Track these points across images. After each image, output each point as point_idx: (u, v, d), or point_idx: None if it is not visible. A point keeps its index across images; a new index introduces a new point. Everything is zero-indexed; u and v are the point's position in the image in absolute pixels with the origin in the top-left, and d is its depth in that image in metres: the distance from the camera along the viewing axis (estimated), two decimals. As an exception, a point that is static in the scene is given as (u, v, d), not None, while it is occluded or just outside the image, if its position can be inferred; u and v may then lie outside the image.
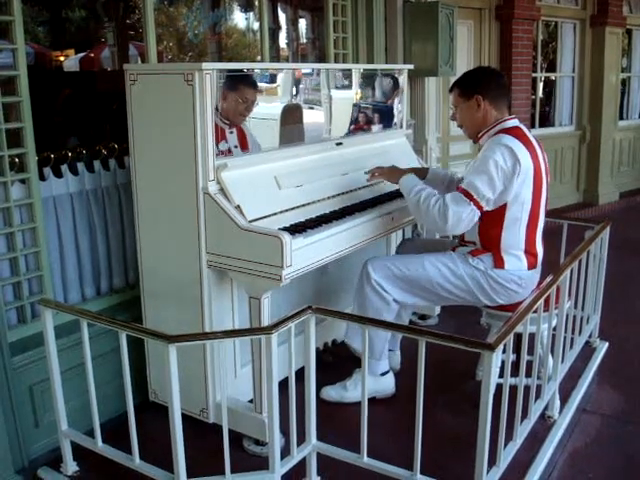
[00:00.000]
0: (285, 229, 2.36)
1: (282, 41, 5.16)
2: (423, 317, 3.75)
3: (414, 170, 2.91)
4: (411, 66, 3.64)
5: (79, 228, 2.77)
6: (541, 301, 2.28)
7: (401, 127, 3.54)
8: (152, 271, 2.61)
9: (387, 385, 2.87)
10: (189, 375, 2.39)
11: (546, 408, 2.64)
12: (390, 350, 2.95)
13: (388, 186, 3.00)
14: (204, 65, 2.25)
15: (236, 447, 2.40)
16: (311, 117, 2.95)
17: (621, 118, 7.49)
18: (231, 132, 2.49)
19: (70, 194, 2.72)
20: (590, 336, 3.34)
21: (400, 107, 3.51)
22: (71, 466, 2.41)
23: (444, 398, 2.87)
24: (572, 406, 2.79)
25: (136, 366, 2.54)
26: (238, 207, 2.34)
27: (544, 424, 2.63)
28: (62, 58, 7.47)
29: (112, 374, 2.59)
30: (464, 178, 2.59)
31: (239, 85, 2.47)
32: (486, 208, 2.53)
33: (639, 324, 3.76)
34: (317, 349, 2.34)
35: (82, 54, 7.40)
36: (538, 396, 2.50)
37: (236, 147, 2.51)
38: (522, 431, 2.32)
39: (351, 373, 2.88)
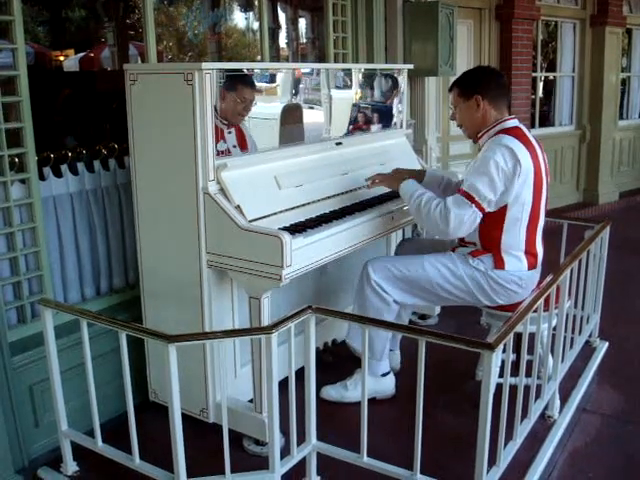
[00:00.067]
0: (285, 229, 2.36)
1: (282, 41, 5.16)
2: (423, 317, 3.75)
3: (412, 172, 2.90)
4: (411, 66, 3.64)
5: (79, 228, 2.77)
6: (541, 301, 2.28)
7: (401, 127, 3.54)
8: (152, 271, 2.61)
9: (387, 386, 2.87)
10: (189, 375, 2.39)
11: (546, 408, 2.64)
12: (390, 350, 2.95)
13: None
14: (204, 65, 2.25)
15: (236, 447, 2.40)
16: (311, 117, 2.95)
17: (621, 118, 7.49)
18: (229, 132, 2.49)
19: (70, 194, 2.72)
20: (590, 336, 3.34)
21: (400, 107, 3.51)
22: (71, 466, 2.41)
23: (444, 398, 2.87)
24: (572, 406, 2.79)
25: (136, 366, 2.54)
26: (238, 207, 2.34)
27: (544, 424, 2.63)
28: (62, 58, 7.47)
29: (112, 374, 2.59)
30: (464, 180, 2.58)
31: (237, 85, 2.47)
32: (488, 210, 2.52)
33: (639, 324, 3.76)
34: (317, 349, 2.34)
35: (82, 54, 7.40)
36: (538, 396, 2.50)
37: (235, 147, 2.51)
38: (522, 431, 2.32)
39: (351, 373, 2.88)
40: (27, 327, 2.52)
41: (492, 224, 2.58)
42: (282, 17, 5.12)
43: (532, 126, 6.37)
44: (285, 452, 2.22)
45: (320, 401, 2.61)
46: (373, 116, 3.36)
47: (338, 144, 3.01)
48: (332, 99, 3.05)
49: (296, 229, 2.41)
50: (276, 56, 4.94)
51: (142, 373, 2.74)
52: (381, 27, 4.15)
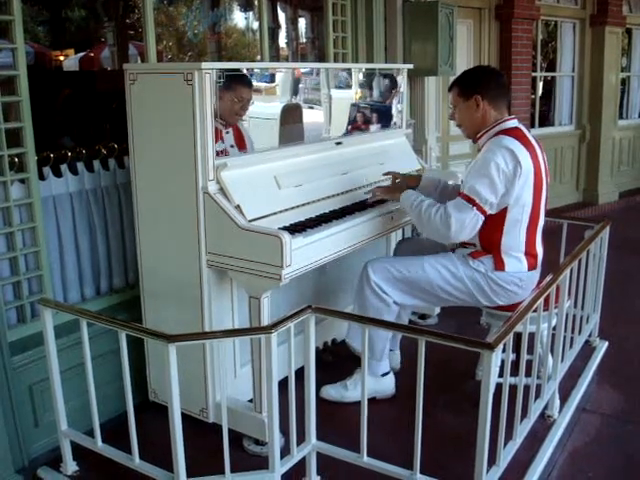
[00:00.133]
0: (285, 228, 2.36)
1: (282, 41, 5.16)
2: (423, 317, 3.75)
3: (408, 177, 2.89)
4: (411, 66, 3.64)
5: (79, 228, 2.77)
6: (541, 300, 2.28)
7: (401, 127, 3.53)
8: (152, 271, 2.61)
9: (387, 386, 2.87)
10: (189, 375, 2.38)
11: (546, 407, 2.64)
12: (390, 350, 2.95)
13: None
14: (204, 65, 2.25)
15: (236, 447, 2.40)
16: (311, 117, 2.95)
17: (621, 117, 7.49)
18: (227, 132, 2.48)
19: (70, 194, 2.72)
20: (590, 335, 3.34)
21: (400, 107, 3.50)
22: (71, 466, 2.41)
23: (444, 397, 2.87)
24: (572, 405, 2.79)
25: (136, 366, 2.54)
26: (238, 207, 2.34)
27: (544, 423, 2.63)
28: (62, 58, 7.48)
29: (112, 374, 2.59)
30: (464, 182, 2.57)
31: (234, 84, 2.45)
32: (489, 212, 2.51)
33: (639, 323, 3.76)
34: (317, 348, 2.34)
35: (82, 54, 7.40)
36: (538, 395, 2.50)
37: (232, 147, 2.50)
38: (522, 430, 2.32)
39: (351, 372, 2.88)
40: (27, 327, 2.52)
41: (492, 226, 2.57)
42: (282, 17, 5.12)
43: (532, 126, 6.37)
44: (285, 452, 2.22)
45: (320, 401, 2.61)
46: (373, 116, 3.36)
47: (338, 144, 3.01)
48: (332, 99, 3.05)
49: (296, 229, 2.41)
50: (276, 56, 4.94)
51: (142, 373, 2.74)
52: (381, 27, 4.15)
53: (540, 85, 7.00)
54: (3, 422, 2.29)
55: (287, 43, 5.22)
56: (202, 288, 2.44)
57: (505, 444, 2.19)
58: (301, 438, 2.23)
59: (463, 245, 2.72)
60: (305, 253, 2.35)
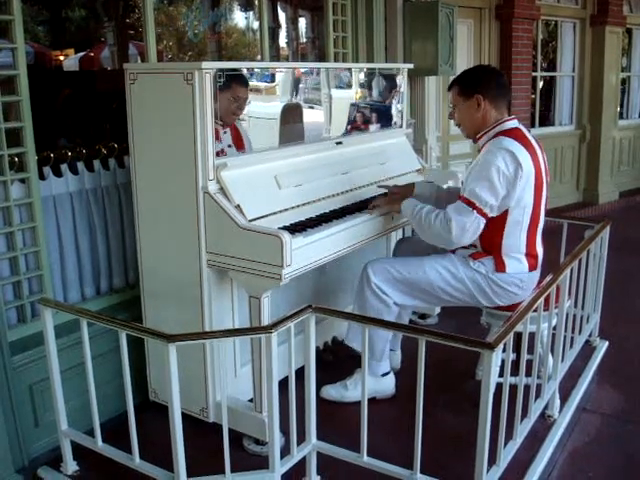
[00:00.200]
0: (285, 228, 2.36)
1: (282, 40, 5.16)
2: (423, 316, 3.75)
3: (403, 187, 2.86)
4: (411, 65, 3.64)
5: (79, 227, 2.77)
6: (541, 300, 2.28)
7: (401, 126, 3.53)
8: (152, 271, 2.61)
9: (387, 386, 2.87)
10: (189, 374, 2.39)
11: (546, 407, 2.64)
12: (391, 350, 2.95)
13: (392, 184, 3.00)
14: (204, 64, 2.25)
15: (236, 446, 2.40)
16: (311, 116, 2.95)
17: (621, 117, 7.49)
18: (225, 132, 2.47)
19: (70, 193, 2.72)
20: (590, 335, 3.34)
21: (400, 106, 3.50)
22: (71, 465, 2.41)
23: (444, 397, 2.87)
24: (572, 405, 2.79)
25: (136, 366, 2.54)
26: (238, 206, 2.34)
27: (544, 423, 2.63)
28: (62, 57, 7.47)
29: (112, 374, 2.59)
30: (464, 185, 2.56)
31: (230, 84, 2.43)
32: (490, 215, 2.50)
33: (639, 323, 3.76)
34: (317, 348, 2.34)
35: (82, 53, 7.39)
36: (538, 395, 2.50)
37: (230, 147, 2.48)
38: (522, 430, 2.32)
39: (351, 372, 2.88)
40: (27, 326, 2.52)
41: (493, 228, 2.56)
42: (282, 16, 5.12)
43: (532, 126, 6.37)
44: (285, 452, 2.22)
45: (320, 401, 2.61)
46: (373, 115, 3.36)
47: (338, 144, 3.01)
48: (332, 99, 3.05)
49: (296, 229, 2.41)
50: (276, 55, 4.93)
51: (142, 373, 2.74)
52: (381, 27, 4.15)
53: (540, 85, 6.99)
54: (3, 422, 2.29)
55: (287, 43, 5.22)
56: (202, 288, 2.44)
57: (505, 444, 2.19)
58: (301, 438, 2.23)
59: (463, 246, 2.71)
60: (305, 253, 2.35)
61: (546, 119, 6.95)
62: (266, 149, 2.63)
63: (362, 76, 3.28)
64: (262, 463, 2.21)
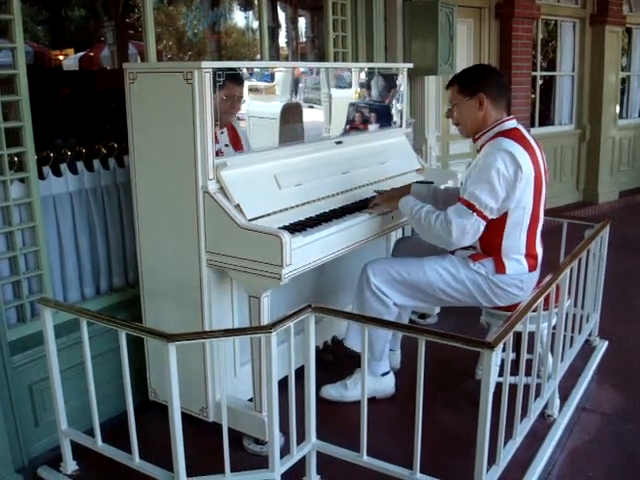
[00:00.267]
0: (285, 228, 2.36)
1: (282, 40, 5.16)
2: (423, 316, 3.76)
3: (399, 190, 2.85)
4: (411, 65, 3.64)
5: (78, 227, 2.77)
6: (541, 300, 2.28)
7: (401, 126, 3.53)
8: (152, 270, 2.60)
9: (387, 385, 2.87)
10: (189, 374, 2.39)
11: (546, 407, 2.64)
12: (391, 350, 2.95)
13: (389, 185, 3.00)
14: (204, 64, 2.25)
15: (236, 446, 2.40)
16: (311, 116, 2.94)
17: (621, 117, 7.48)
18: (222, 132, 2.46)
19: (69, 193, 2.72)
20: (590, 335, 3.34)
21: (400, 106, 3.50)
22: (71, 465, 2.41)
23: (444, 397, 2.87)
24: (572, 405, 2.79)
25: (136, 365, 2.54)
26: (238, 206, 2.34)
27: (544, 423, 2.63)
28: (61, 57, 7.48)
29: (112, 373, 2.59)
30: (464, 187, 2.55)
31: (224, 82, 2.41)
32: (490, 217, 2.49)
33: (639, 323, 3.76)
34: (317, 348, 2.34)
35: (81, 53, 7.40)
36: (538, 395, 2.50)
37: (227, 146, 2.47)
38: (522, 430, 2.32)
39: (351, 372, 2.88)
40: (27, 326, 2.52)
41: (493, 229, 2.55)
42: (282, 16, 5.12)
43: (532, 125, 6.37)
44: (285, 451, 2.22)
45: (320, 400, 2.61)
46: (373, 115, 3.36)
47: (338, 143, 3.01)
48: (332, 98, 3.05)
49: (296, 228, 2.41)
50: (276, 55, 4.94)
51: (142, 372, 2.74)
52: (381, 26, 4.15)
53: (540, 84, 6.99)
54: (3, 421, 2.29)
55: (287, 42, 5.22)
56: (202, 287, 2.44)
57: (505, 443, 2.19)
58: (301, 437, 2.23)
59: (463, 247, 2.71)
60: (305, 252, 2.34)
61: (546, 119, 6.95)
62: (266, 149, 2.63)
63: (362, 76, 3.28)
64: (262, 463, 2.21)
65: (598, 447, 2.56)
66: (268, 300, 2.35)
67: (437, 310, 3.73)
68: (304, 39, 5.21)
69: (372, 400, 2.63)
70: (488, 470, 2.04)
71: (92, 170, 2.79)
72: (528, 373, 2.38)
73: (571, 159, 6.90)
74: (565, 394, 2.83)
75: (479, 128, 2.63)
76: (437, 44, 4.25)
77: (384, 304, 2.65)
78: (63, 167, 2.70)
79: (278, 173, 2.58)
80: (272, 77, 2.73)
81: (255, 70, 2.63)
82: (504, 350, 2.13)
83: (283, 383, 2.14)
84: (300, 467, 2.25)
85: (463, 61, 5.22)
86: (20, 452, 2.38)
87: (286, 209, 2.54)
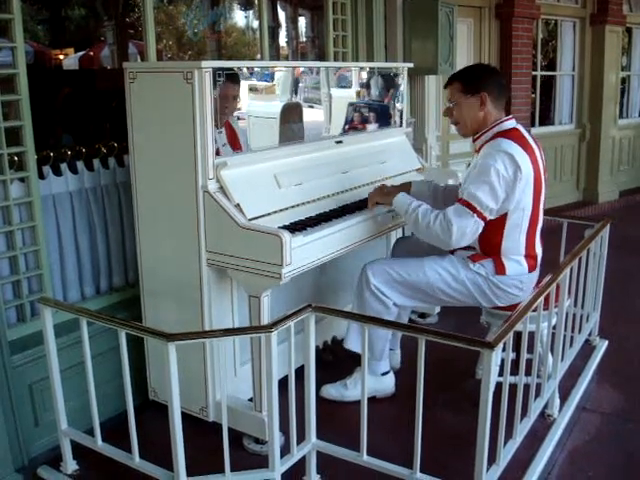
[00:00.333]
0: (285, 227, 2.36)
1: (282, 39, 5.17)
2: (423, 315, 3.76)
3: (398, 187, 2.84)
4: (411, 64, 3.64)
5: (78, 226, 2.77)
6: (541, 299, 2.28)
7: (401, 125, 3.53)
8: (152, 270, 2.60)
9: (387, 385, 2.87)
10: (189, 374, 2.38)
11: (546, 406, 2.64)
12: (391, 349, 2.95)
13: (389, 184, 3.00)
14: (204, 63, 2.24)
15: (236, 446, 2.40)
16: (311, 115, 2.94)
17: (621, 117, 7.48)
18: (220, 132, 2.46)
19: (69, 192, 2.72)
20: (590, 334, 3.34)
21: (400, 105, 3.50)
22: (71, 465, 2.41)
23: (444, 396, 2.87)
24: (572, 404, 2.79)
25: (136, 365, 2.54)
26: (238, 205, 2.34)
27: (544, 422, 2.63)
28: (62, 56, 7.48)
29: (112, 373, 2.59)
30: (463, 187, 2.54)
31: (222, 82, 2.39)
32: (489, 218, 2.49)
33: (639, 322, 3.76)
34: (317, 347, 2.34)
35: (82, 52, 7.40)
36: (538, 394, 2.50)
37: (224, 145, 2.47)
38: (522, 429, 2.32)
39: (351, 371, 2.88)
40: (27, 326, 2.52)
41: (492, 230, 2.55)
42: (282, 16, 5.13)
43: (532, 125, 6.36)
44: (285, 451, 2.22)
45: (320, 400, 2.61)
46: (373, 115, 3.35)
47: (338, 143, 3.01)
48: (332, 98, 3.05)
49: (296, 228, 2.41)
50: (276, 55, 4.94)
51: (142, 372, 2.74)
52: (381, 26, 4.15)
53: (540, 84, 6.99)
54: (3, 421, 2.29)
55: (287, 42, 5.23)
56: (202, 287, 2.44)
57: (505, 443, 2.19)
58: (301, 437, 2.23)
59: (462, 247, 2.70)
60: (305, 252, 2.34)
61: (546, 118, 6.95)
62: (266, 148, 2.63)
63: (362, 75, 3.28)
64: (262, 462, 2.21)
65: (598, 447, 2.56)
66: (268, 300, 2.34)
67: (437, 310, 3.73)
68: (304, 38, 5.21)
69: (372, 400, 2.63)
70: (488, 470, 2.04)
71: (92, 170, 2.79)
72: (528, 373, 2.38)
73: (571, 159, 6.89)
74: (565, 394, 2.83)
75: (479, 127, 2.63)
76: (437, 44, 4.24)
77: (384, 304, 2.65)
78: (63, 167, 2.70)
79: (278, 173, 2.58)
80: (272, 77, 2.73)
81: (255, 69, 2.63)
82: (504, 350, 2.13)
83: (283, 383, 2.14)
84: (300, 467, 2.25)
85: (463, 61, 5.22)
86: (20, 452, 2.38)
87: (286, 208, 2.54)
